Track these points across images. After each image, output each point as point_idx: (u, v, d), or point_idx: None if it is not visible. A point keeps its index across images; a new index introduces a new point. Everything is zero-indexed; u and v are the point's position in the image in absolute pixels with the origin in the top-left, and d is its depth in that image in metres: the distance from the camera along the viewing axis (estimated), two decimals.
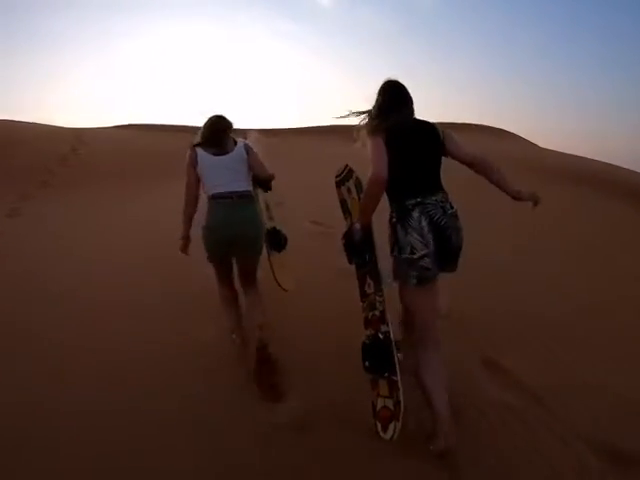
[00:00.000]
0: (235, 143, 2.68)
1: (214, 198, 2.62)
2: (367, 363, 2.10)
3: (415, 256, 1.98)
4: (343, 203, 2.35)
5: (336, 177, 2.37)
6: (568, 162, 11.76)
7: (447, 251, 2.05)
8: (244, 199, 2.64)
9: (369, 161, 2.00)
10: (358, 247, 2.14)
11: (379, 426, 2.06)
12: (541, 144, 17.69)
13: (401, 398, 1.99)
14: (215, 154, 2.60)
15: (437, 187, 2.10)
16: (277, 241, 3.07)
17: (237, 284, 2.85)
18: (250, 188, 2.72)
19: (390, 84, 2.18)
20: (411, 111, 2.17)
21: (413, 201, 2.01)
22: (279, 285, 2.99)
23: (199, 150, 2.61)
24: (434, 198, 2.03)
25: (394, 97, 2.14)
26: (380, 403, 2.09)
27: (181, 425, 2.17)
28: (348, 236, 2.20)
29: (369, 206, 2.05)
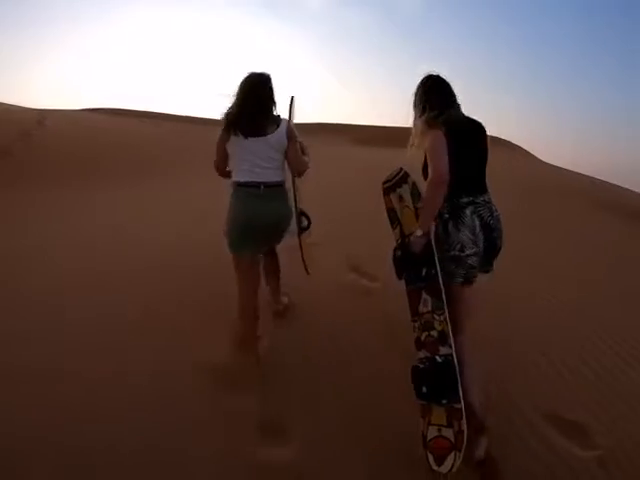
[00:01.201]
0: (277, 122, 2.37)
1: (239, 185, 2.38)
2: (424, 389, 1.91)
3: (463, 254, 1.95)
4: (391, 212, 2.16)
5: (385, 183, 2.17)
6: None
7: (490, 252, 2.07)
8: (274, 189, 2.39)
9: (429, 158, 1.93)
10: (417, 259, 1.97)
11: (431, 458, 1.88)
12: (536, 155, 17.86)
13: (464, 427, 1.83)
14: (250, 135, 2.30)
15: (485, 187, 2.09)
16: (302, 223, 2.82)
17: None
18: (282, 179, 2.46)
19: (435, 78, 2.12)
20: (459, 105, 2.12)
21: (466, 200, 1.98)
22: (305, 267, 2.85)
23: (233, 130, 2.31)
24: (482, 198, 2.03)
25: (443, 90, 2.09)
26: (432, 432, 1.91)
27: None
28: (404, 248, 2.02)
29: (432, 210, 1.93)
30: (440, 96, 2.07)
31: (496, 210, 2.08)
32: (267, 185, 2.35)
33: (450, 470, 1.82)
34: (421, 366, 1.97)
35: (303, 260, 2.82)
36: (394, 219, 2.14)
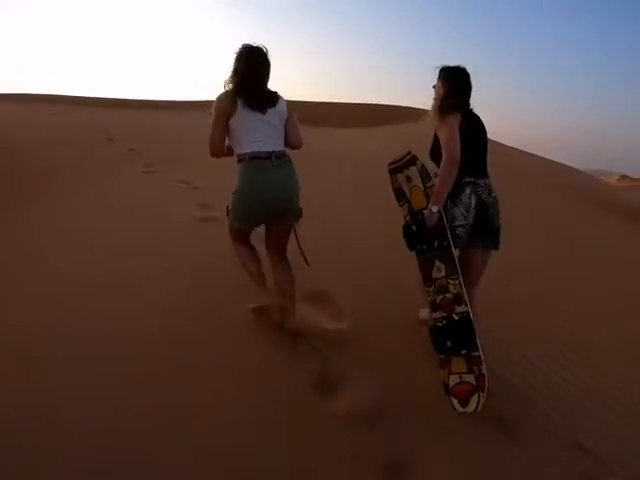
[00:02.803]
0: (275, 96, 2.39)
1: (251, 158, 2.32)
2: (449, 344, 2.19)
3: (452, 224, 2.26)
4: (398, 191, 2.37)
5: (391, 164, 2.37)
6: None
7: (488, 227, 2.33)
8: (283, 159, 2.39)
9: (445, 143, 2.22)
10: (431, 232, 2.22)
11: (455, 402, 2.18)
12: None
13: (484, 371, 2.16)
14: (259, 107, 2.30)
15: (486, 171, 2.40)
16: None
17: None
18: (285, 150, 2.47)
19: (466, 73, 2.41)
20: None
21: (467, 180, 2.29)
22: (304, 257, 2.66)
23: (239, 102, 2.27)
24: (483, 181, 2.34)
25: (468, 84, 2.40)
26: (454, 380, 2.20)
27: None
28: (418, 222, 2.25)
29: (447, 187, 2.21)
30: (462, 86, 2.38)
31: (494, 191, 2.38)
32: (277, 155, 2.36)
33: (476, 409, 2.14)
34: (439, 324, 2.25)
35: (301, 251, 2.63)
36: (401, 197, 2.36)
